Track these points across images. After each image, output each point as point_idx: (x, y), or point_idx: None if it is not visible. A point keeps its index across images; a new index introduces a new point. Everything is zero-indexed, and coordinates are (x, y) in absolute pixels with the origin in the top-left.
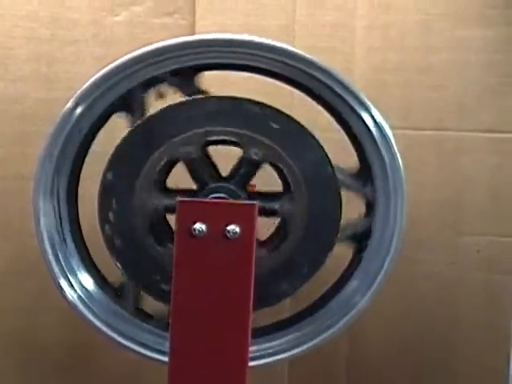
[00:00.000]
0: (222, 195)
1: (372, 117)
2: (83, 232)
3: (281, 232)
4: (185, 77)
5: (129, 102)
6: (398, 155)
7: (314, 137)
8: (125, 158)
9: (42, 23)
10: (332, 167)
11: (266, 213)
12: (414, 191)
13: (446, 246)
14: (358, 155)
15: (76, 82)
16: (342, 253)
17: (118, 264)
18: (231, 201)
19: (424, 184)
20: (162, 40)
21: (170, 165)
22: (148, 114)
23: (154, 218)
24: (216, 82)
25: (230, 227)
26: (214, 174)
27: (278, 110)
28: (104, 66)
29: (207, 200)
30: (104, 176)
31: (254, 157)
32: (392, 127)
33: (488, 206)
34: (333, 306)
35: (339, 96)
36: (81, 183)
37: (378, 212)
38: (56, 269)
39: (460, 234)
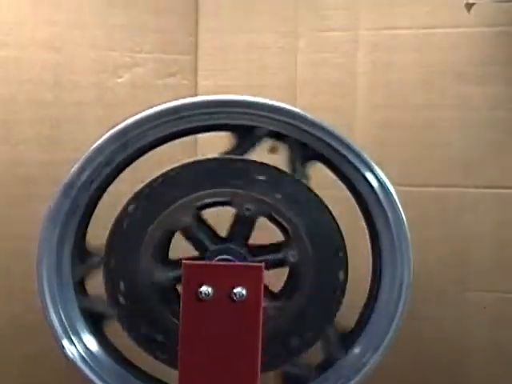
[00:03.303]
0: (226, 257)
1: (374, 175)
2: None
3: (291, 282)
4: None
5: (248, 134)
6: (401, 211)
7: (301, 182)
8: (189, 176)
9: (45, 86)
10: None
11: (274, 265)
12: (418, 248)
13: (453, 302)
14: (362, 213)
15: (79, 145)
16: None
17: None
18: (237, 263)
19: (429, 240)
20: (166, 101)
21: (169, 236)
22: (142, 186)
23: (163, 289)
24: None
25: (237, 290)
26: (213, 237)
27: (261, 163)
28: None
29: (213, 262)
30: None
31: (247, 213)
32: (395, 184)
33: (494, 262)
34: (341, 367)
35: (342, 155)
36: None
37: (385, 270)
38: (59, 329)
39: (466, 290)
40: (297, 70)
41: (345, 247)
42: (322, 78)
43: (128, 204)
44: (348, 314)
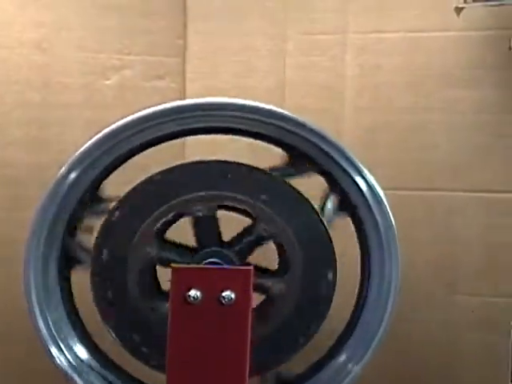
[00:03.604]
0: (214, 260)
1: (364, 178)
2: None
3: (267, 308)
4: None
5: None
6: (391, 215)
7: (323, 224)
8: (136, 202)
9: (33, 88)
10: (333, 248)
11: (256, 288)
12: (407, 251)
13: (441, 305)
14: (350, 215)
15: (67, 146)
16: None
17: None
18: (226, 266)
19: (417, 244)
20: (154, 103)
21: (176, 218)
22: (167, 168)
23: (146, 268)
24: (203, 146)
25: (226, 293)
26: (216, 238)
27: (297, 191)
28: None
29: (201, 266)
30: (110, 214)
31: (263, 233)
32: (382, 188)
33: (481, 265)
34: (325, 375)
35: (330, 157)
36: None
37: (374, 272)
38: (46, 335)
39: (454, 293)
40: (285, 72)
41: (332, 247)
42: (310, 80)
43: (114, 209)
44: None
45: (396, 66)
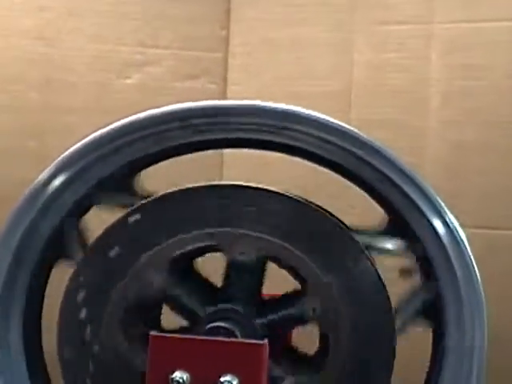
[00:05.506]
0: (220, 324)
1: (443, 219)
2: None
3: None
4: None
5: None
6: (474, 265)
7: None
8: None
9: (31, 86)
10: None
11: (290, 323)
12: (497, 312)
13: None
14: (420, 266)
15: None
16: None
17: None
18: (225, 339)
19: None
20: None
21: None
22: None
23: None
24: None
25: (225, 378)
26: (207, 293)
27: (255, 188)
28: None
29: (190, 337)
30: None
31: (241, 257)
32: (470, 226)
33: None
34: None
35: (401, 191)
36: None
37: (450, 345)
38: None
39: None
40: (352, 73)
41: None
42: (383, 83)
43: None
44: None
45: (494, 65)
